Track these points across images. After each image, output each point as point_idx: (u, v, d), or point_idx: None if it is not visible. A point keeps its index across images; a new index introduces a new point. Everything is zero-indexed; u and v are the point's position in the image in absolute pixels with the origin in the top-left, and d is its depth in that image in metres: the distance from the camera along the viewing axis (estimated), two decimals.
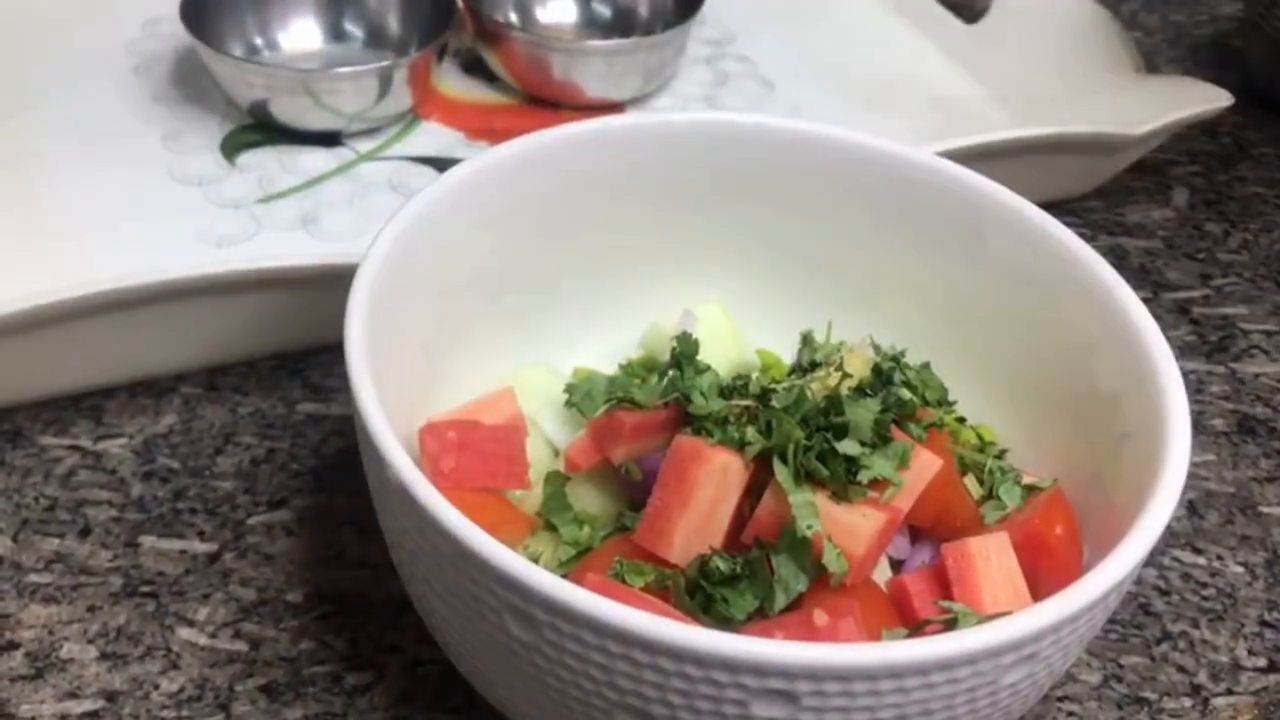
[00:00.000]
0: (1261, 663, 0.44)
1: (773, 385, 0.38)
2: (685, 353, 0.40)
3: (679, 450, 0.36)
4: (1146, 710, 0.42)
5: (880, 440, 0.35)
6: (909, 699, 0.30)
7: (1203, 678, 0.43)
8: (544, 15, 0.69)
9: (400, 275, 0.39)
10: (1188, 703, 0.42)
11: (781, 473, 0.34)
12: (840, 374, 0.38)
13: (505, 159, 0.43)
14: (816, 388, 0.37)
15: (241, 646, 0.42)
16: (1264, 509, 0.50)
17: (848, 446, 0.35)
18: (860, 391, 0.38)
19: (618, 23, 0.69)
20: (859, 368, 0.39)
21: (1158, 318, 0.57)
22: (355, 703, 0.40)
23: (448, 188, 0.42)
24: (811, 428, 0.35)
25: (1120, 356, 0.39)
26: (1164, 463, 0.35)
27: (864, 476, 0.35)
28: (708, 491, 0.35)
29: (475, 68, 0.67)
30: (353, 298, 0.37)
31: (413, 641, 0.42)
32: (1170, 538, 0.48)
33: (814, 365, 0.41)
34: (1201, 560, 0.47)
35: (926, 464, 0.36)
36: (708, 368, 0.39)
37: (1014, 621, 0.30)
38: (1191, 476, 0.51)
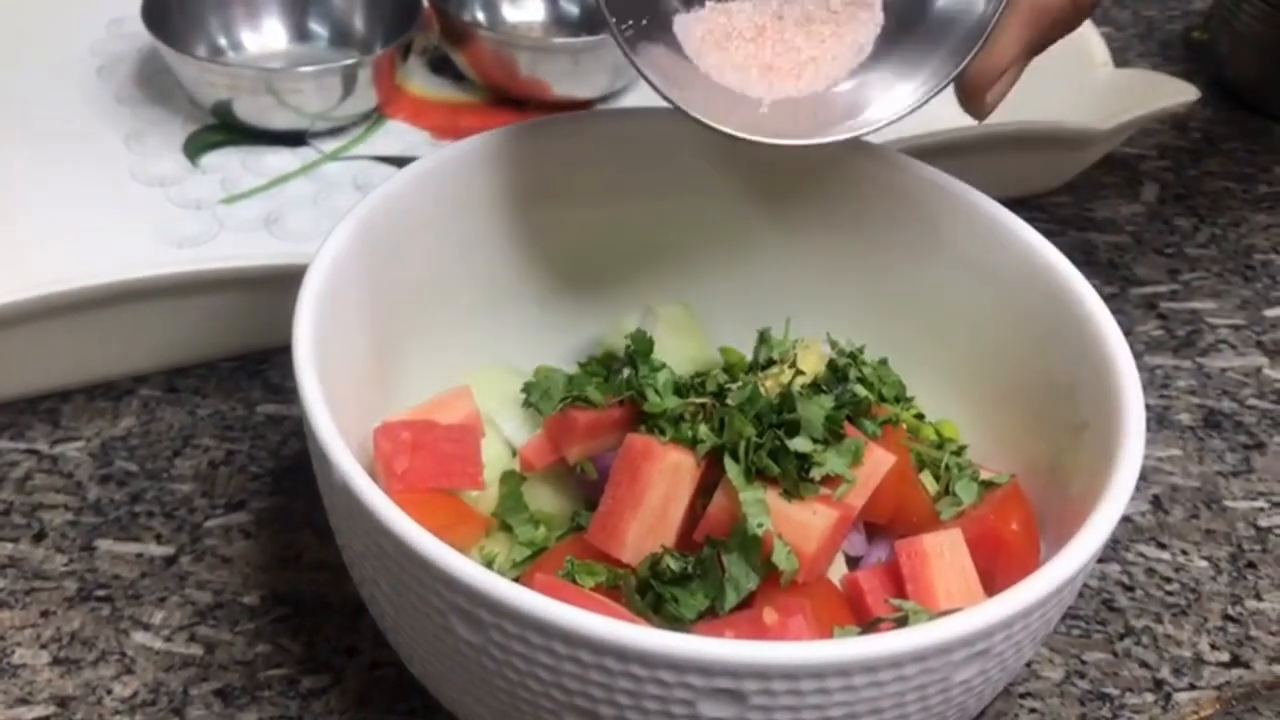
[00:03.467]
0: (1224, 657, 0.44)
1: (729, 383, 0.38)
2: (640, 351, 0.39)
3: (631, 449, 0.36)
4: (1109, 706, 0.42)
5: (833, 437, 0.35)
6: (858, 697, 0.30)
7: (1165, 673, 0.43)
8: (511, 14, 0.68)
9: (353, 274, 0.39)
10: (1150, 698, 0.42)
11: (732, 470, 0.34)
12: (794, 371, 0.38)
13: (461, 156, 0.43)
14: (770, 385, 0.37)
15: (197, 650, 0.41)
16: (1229, 503, 0.49)
17: (799, 444, 0.34)
18: (816, 388, 0.38)
19: (585, 21, 0.68)
20: (814, 364, 0.39)
21: (1125, 313, 0.58)
22: (311, 706, 0.40)
23: (402, 185, 0.41)
24: (764, 425, 0.35)
25: (1076, 347, 0.39)
26: (1119, 457, 0.34)
27: (816, 474, 0.34)
28: (660, 490, 0.35)
29: (442, 66, 0.67)
30: (301, 298, 0.37)
31: (370, 644, 0.42)
32: (1135, 532, 0.48)
33: (771, 362, 0.41)
34: (1166, 555, 0.47)
35: (880, 461, 0.36)
36: (663, 366, 0.39)
37: (963, 618, 0.30)
38: (1157, 471, 0.50)
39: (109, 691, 0.40)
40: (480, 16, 0.67)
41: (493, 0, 0.68)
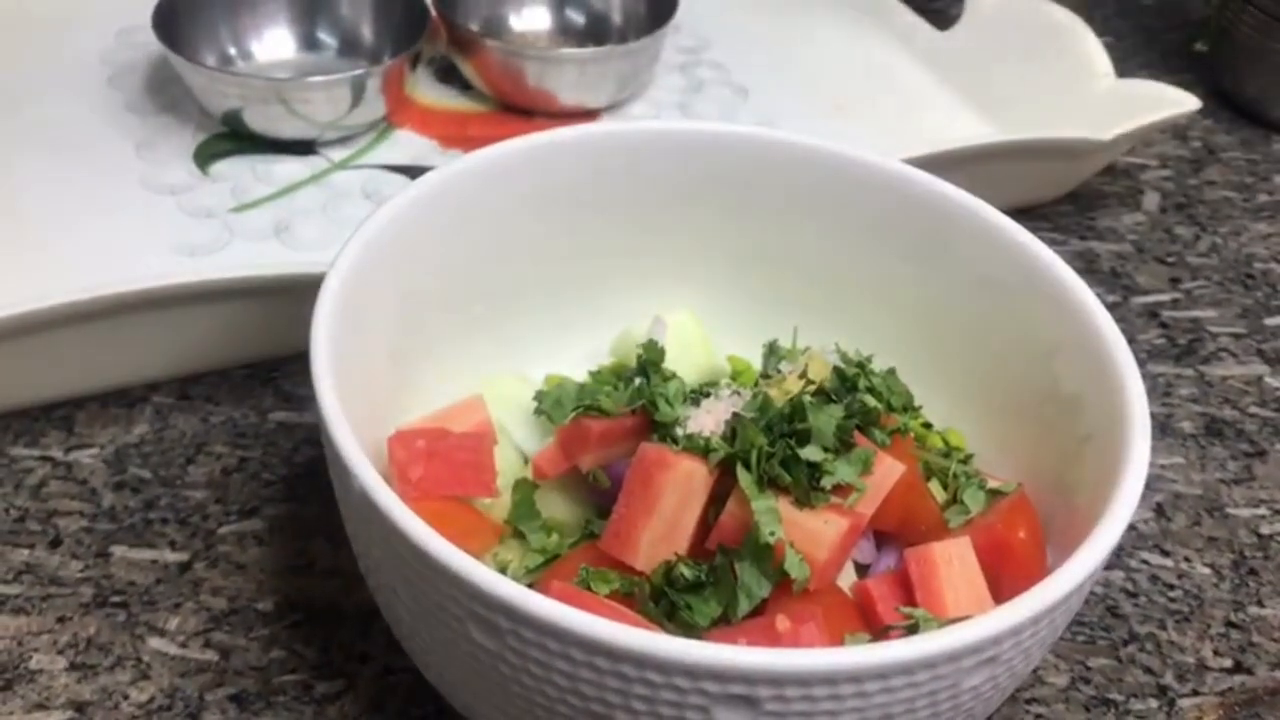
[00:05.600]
0: (1227, 663, 0.44)
1: (738, 392, 0.38)
2: (651, 360, 0.40)
3: (644, 457, 0.36)
4: (1113, 712, 0.42)
5: (843, 446, 0.36)
6: (870, 703, 0.30)
7: (1169, 679, 0.44)
8: (517, 23, 0.69)
9: (368, 284, 0.39)
10: (1154, 704, 0.43)
11: (744, 479, 0.35)
12: (803, 380, 0.38)
13: (474, 167, 0.43)
14: (774, 393, 0.37)
15: (212, 656, 0.42)
16: (1231, 510, 0.50)
17: (810, 452, 0.35)
18: (825, 398, 0.38)
19: (592, 30, 0.69)
20: (819, 374, 0.40)
21: (1128, 321, 0.59)
22: (325, 711, 0.40)
23: (416, 197, 0.42)
24: (775, 434, 0.36)
25: (1082, 358, 0.39)
26: (1124, 467, 0.35)
27: (827, 482, 0.35)
28: (672, 498, 0.35)
29: (449, 75, 0.67)
30: (319, 308, 0.37)
31: (383, 649, 0.42)
32: (1138, 540, 0.49)
33: (779, 372, 0.41)
34: (1169, 562, 0.48)
35: (889, 469, 0.36)
36: (674, 375, 0.39)
37: (973, 625, 0.30)
38: (1159, 479, 0.51)
39: (125, 697, 0.40)
40: (487, 26, 0.68)
41: (499, 10, 0.69)
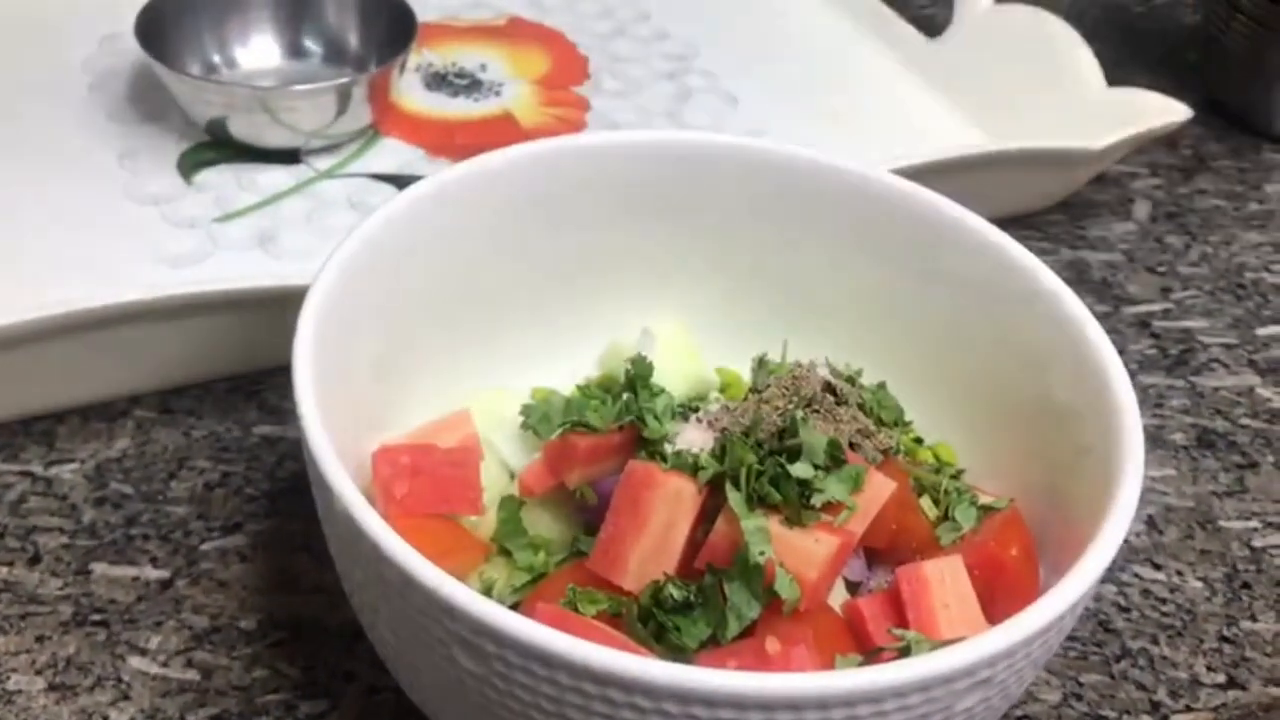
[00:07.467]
0: (1220, 679, 0.44)
1: (727, 407, 0.38)
2: (640, 375, 0.39)
3: (632, 475, 0.36)
4: None
5: (834, 463, 0.35)
6: None
7: (1162, 694, 0.43)
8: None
9: (352, 297, 0.39)
10: None
11: (734, 498, 0.34)
12: (793, 395, 0.38)
13: (460, 178, 0.43)
14: (764, 409, 0.36)
15: (193, 675, 0.41)
16: (1223, 523, 0.50)
17: (801, 470, 0.34)
18: (816, 413, 0.38)
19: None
20: (812, 388, 0.39)
21: (1118, 332, 0.58)
22: None
23: (401, 208, 0.41)
24: (765, 451, 0.35)
25: (1073, 371, 0.39)
26: (1118, 483, 0.35)
27: (817, 500, 0.34)
28: (661, 517, 0.35)
29: (437, 83, 0.67)
30: (302, 321, 0.36)
31: (368, 668, 0.41)
32: (1130, 553, 0.48)
33: (769, 388, 0.41)
34: (1161, 576, 0.47)
35: (880, 486, 0.36)
36: (662, 391, 0.39)
37: (966, 647, 0.30)
38: (1151, 491, 0.51)
39: (106, 718, 0.40)
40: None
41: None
